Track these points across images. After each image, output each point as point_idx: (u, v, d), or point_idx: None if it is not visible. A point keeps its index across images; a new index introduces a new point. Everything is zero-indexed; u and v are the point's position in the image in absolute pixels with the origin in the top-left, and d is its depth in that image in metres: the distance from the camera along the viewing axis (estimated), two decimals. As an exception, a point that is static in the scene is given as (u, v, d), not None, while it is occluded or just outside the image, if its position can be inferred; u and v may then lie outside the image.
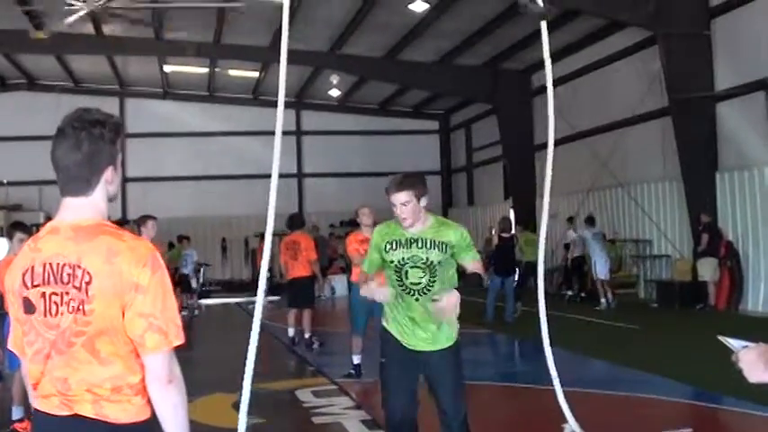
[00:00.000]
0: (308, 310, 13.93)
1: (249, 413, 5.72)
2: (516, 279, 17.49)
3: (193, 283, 20.66)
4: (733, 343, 2.71)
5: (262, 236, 27.21)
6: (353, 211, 31.04)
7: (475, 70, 25.79)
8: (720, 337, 2.79)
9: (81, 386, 2.64)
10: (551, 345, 6.96)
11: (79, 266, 2.62)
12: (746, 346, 2.66)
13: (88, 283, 2.61)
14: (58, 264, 2.64)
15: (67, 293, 2.63)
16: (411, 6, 18.30)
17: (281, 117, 6.05)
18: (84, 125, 2.72)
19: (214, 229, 31.05)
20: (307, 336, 13.88)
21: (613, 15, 18.41)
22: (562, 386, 6.86)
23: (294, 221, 14.16)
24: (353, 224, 30.44)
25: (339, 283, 25.70)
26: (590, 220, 19.55)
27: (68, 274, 2.63)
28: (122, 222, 25.56)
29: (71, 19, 17.16)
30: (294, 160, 32.91)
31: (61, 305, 2.64)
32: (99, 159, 2.74)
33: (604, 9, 18.11)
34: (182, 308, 20.44)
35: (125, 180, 31.55)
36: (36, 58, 27.28)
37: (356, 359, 11.00)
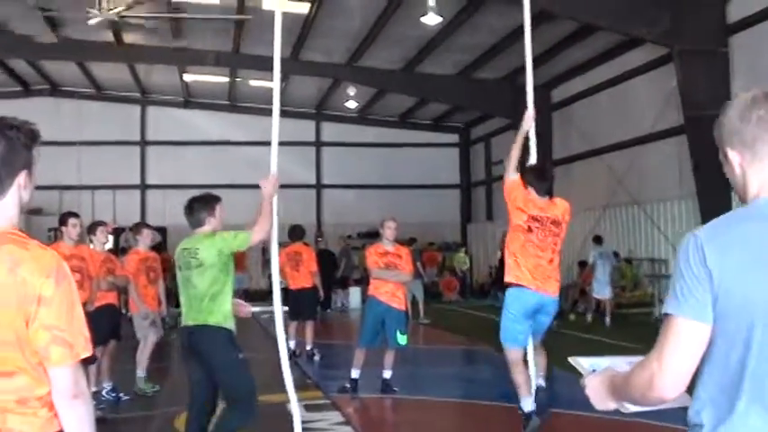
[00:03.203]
0: (310, 322, 13.86)
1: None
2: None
3: None
4: (584, 365, 2.58)
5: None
6: (371, 222, 31.22)
7: (494, 84, 25.64)
8: (571, 359, 2.67)
9: None
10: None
11: None
12: (594, 371, 2.54)
13: None
14: None
15: None
16: (423, 19, 18.22)
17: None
18: None
19: (232, 237, 30.97)
20: (308, 348, 13.80)
21: (629, 31, 18.23)
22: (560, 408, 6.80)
23: (296, 232, 14.08)
24: (370, 236, 30.52)
25: (354, 295, 25.54)
26: (597, 239, 19.40)
27: None
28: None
29: (93, 21, 17.31)
30: (313, 171, 32.95)
31: None
32: (12, 161, 2.70)
33: (620, 25, 17.91)
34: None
35: (145, 187, 31.76)
36: (58, 65, 27.48)
37: (355, 373, 10.80)
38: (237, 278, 27.05)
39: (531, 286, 6.97)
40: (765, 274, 2.16)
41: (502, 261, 17.20)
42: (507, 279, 7.12)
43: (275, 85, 6.45)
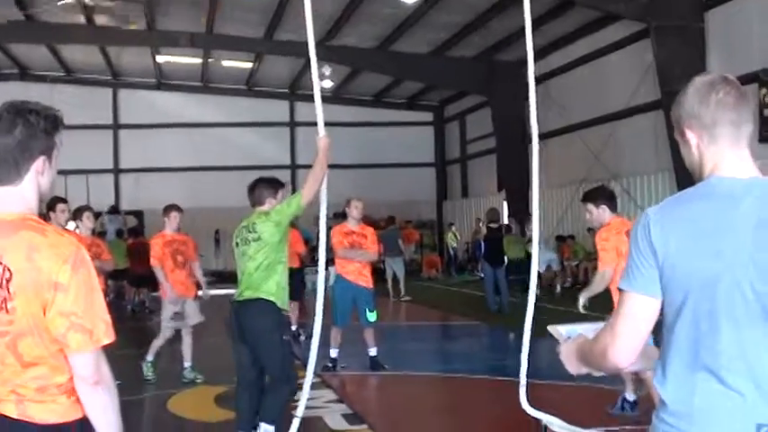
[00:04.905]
0: (295, 303, 13.83)
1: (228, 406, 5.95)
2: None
3: None
4: (561, 332, 2.75)
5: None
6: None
7: (469, 62, 25.67)
8: (550, 327, 2.82)
9: (6, 386, 2.55)
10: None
11: (0, 263, 2.52)
12: (569, 338, 2.70)
13: (8, 280, 2.51)
14: None
15: None
16: (401, -3, 18.21)
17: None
18: (20, 112, 2.65)
19: (207, 220, 30.75)
20: (293, 328, 13.78)
21: (607, 7, 18.30)
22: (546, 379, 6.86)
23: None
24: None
25: (332, 275, 25.45)
26: None
27: None
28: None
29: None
30: (288, 152, 32.86)
31: None
32: (30, 146, 2.65)
33: (598, 1, 17.99)
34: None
35: (118, 171, 31.52)
36: (27, 48, 27.13)
37: (334, 353, 10.93)
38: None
39: None
40: (704, 248, 2.25)
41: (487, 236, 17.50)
42: None
43: (312, 54, 6.80)
